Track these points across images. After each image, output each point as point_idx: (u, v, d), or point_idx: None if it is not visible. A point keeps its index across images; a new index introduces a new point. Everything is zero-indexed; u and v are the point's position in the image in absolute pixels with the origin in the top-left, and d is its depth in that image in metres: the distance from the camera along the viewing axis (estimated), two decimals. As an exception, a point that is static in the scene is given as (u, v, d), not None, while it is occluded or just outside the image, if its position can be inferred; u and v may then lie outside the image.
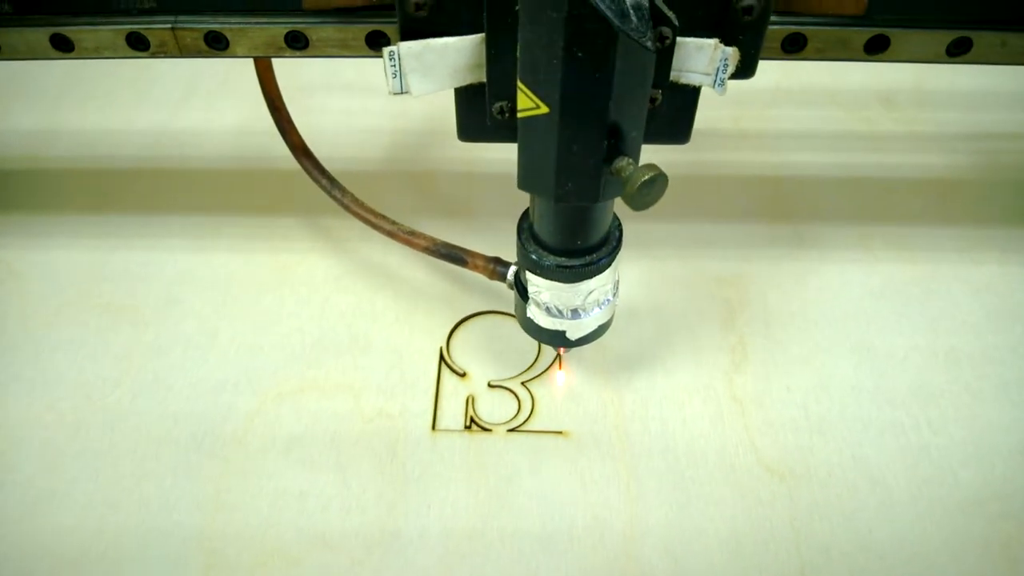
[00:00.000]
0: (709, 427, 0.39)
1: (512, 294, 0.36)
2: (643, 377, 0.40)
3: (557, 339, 0.35)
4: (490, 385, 0.40)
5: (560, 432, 0.38)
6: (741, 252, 0.46)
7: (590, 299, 0.33)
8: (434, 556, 0.35)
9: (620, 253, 0.33)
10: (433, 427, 0.39)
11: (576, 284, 0.32)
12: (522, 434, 0.38)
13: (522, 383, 0.40)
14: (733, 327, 0.42)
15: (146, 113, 0.55)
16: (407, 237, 0.38)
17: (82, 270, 0.45)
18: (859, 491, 0.37)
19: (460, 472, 0.37)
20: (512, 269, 0.36)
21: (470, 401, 0.39)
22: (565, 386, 0.40)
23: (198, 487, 0.37)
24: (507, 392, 0.40)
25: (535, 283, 0.33)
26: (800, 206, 0.48)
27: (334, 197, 0.40)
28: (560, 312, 0.33)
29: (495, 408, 0.39)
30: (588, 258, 0.32)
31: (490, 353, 0.41)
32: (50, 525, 0.36)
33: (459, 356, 0.41)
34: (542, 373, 0.40)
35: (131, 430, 0.39)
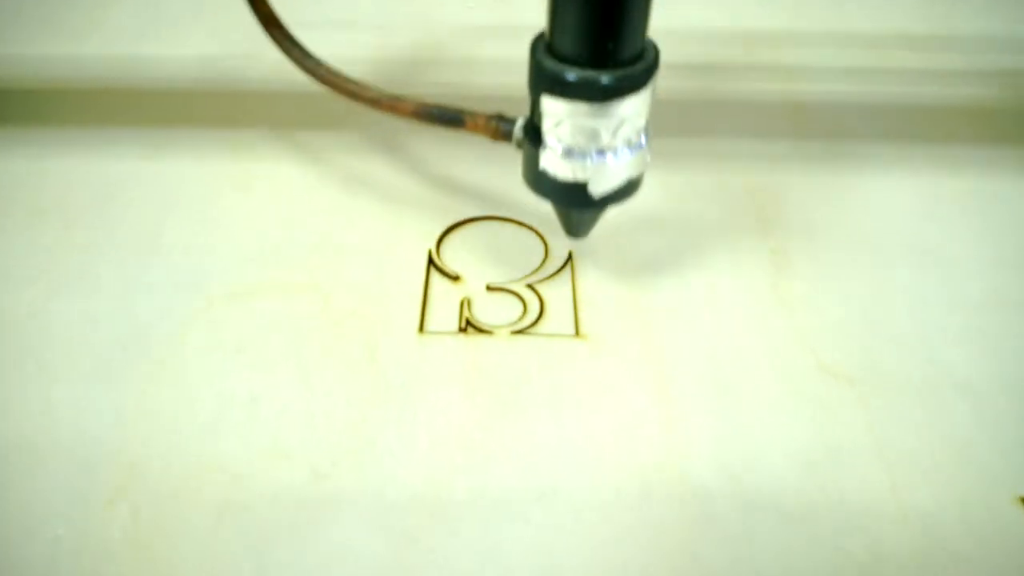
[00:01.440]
0: (754, 331, 0.32)
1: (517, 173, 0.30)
2: (671, 280, 0.34)
3: (576, 198, 0.28)
4: (489, 288, 0.33)
5: (577, 335, 0.31)
6: (770, 164, 0.40)
7: (620, 134, 0.27)
8: (421, 468, 0.27)
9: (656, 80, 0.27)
10: (420, 329, 0.31)
11: (605, 106, 0.26)
12: (530, 336, 0.31)
13: (528, 285, 0.33)
14: (771, 231, 0.36)
15: (103, 41, 0.49)
16: (391, 103, 0.32)
17: (10, 175, 0.38)
18: (946, 398, 0.30)
19: (454, 377, 0.30)
20: (519, 123, 0.30)
21: (465, 304, 0.32)
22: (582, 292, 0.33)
23: (118, 393, 0.29)
24: (510, 294, 0.33)
25: (553, 111, 0.26)
26: (830, 126, 0.43)
27: (307, 68, 0.34)
28: (582, 153, 0.27)
29: (496, 311, 0.32)
30: (621, 72, 0.25)
31: (488, 258, 0.34)
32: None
33: (451, 261, 0.34)
34: (554, 274, 0.34)
35: (39, 329, 0.31)
